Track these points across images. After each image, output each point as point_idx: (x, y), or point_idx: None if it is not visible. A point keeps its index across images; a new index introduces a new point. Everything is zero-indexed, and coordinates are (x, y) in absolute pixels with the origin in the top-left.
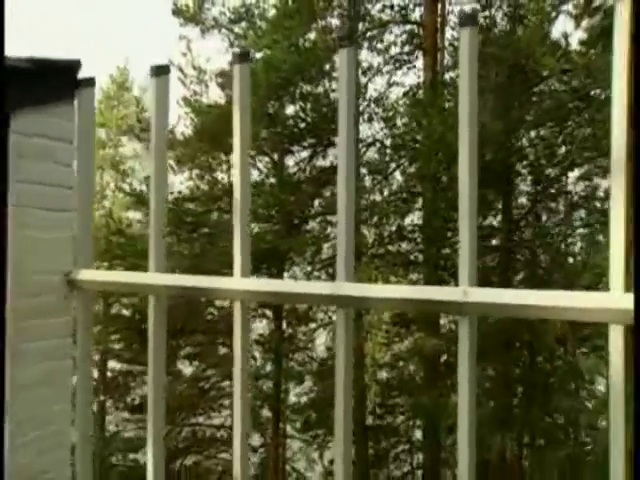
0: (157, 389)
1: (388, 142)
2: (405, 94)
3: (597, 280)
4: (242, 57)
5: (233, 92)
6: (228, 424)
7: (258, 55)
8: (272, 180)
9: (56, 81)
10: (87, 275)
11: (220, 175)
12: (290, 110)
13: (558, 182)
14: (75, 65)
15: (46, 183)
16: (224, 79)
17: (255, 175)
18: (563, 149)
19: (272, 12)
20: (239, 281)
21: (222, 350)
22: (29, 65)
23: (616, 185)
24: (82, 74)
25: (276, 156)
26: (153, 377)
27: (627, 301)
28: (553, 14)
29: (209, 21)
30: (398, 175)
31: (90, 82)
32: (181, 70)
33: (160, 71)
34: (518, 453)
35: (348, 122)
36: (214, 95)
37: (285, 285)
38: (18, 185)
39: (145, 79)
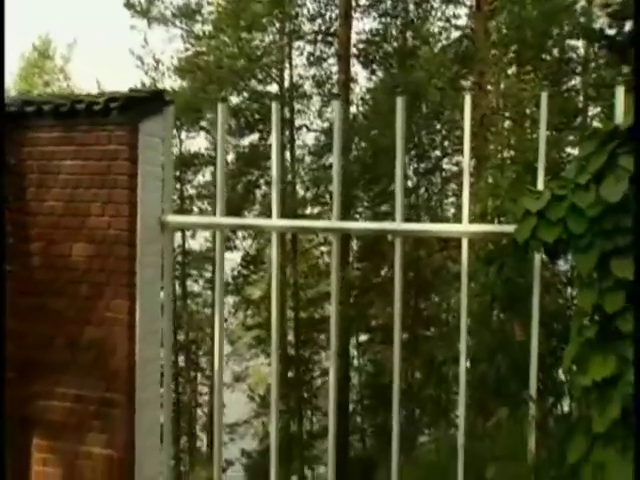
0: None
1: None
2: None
3: None
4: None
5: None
6: None
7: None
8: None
9: (158, 102)
10: (171, 218)
11: None
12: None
13: (438, 161)
14: (163, 92)
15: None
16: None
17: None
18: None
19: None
20: (275, 221)
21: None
22: (147, 94)
23: (465, 163)
24: None
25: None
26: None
27: (468, 227)
28: None
29: (156, 15)
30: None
31: (170, 102)
32: (140, 59)
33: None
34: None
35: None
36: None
37: (301, 223)
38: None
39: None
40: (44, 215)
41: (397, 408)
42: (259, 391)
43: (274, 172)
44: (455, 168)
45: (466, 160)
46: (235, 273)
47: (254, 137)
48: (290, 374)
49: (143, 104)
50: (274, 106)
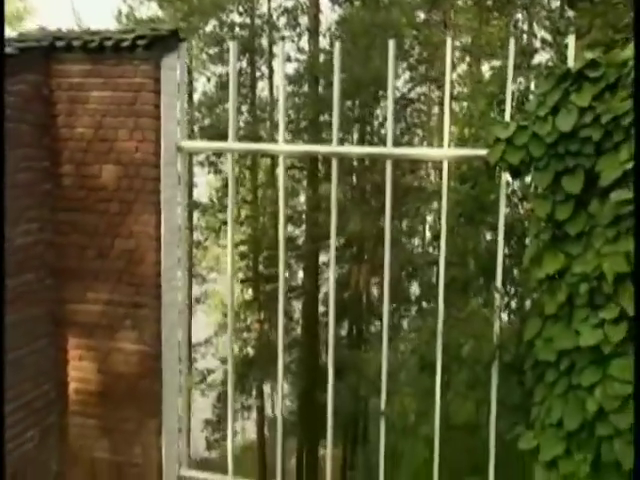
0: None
1: None
2: None
3: None
4: None
5: None
6: None
7: None
8: None
9: (175, 39)
10: (186, 143)
11: None
12: None
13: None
14: (178, 30)
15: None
16: None
17: None
18: None
19: None
20: (282, 146)
21: None
22: (167, 32)
23: (446, 97)
24: None
25: None
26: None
27: (448, 151)
28: None
29: None
30: None
31: (183, 39)
32: None
33: None
34: None
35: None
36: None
37: (305, 147)
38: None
39: None
40: (74, 140)
41: (387, 307)
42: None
43: (281, 103)
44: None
45: (447, 94)
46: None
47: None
48: (264, 289)
49: (164, 41)
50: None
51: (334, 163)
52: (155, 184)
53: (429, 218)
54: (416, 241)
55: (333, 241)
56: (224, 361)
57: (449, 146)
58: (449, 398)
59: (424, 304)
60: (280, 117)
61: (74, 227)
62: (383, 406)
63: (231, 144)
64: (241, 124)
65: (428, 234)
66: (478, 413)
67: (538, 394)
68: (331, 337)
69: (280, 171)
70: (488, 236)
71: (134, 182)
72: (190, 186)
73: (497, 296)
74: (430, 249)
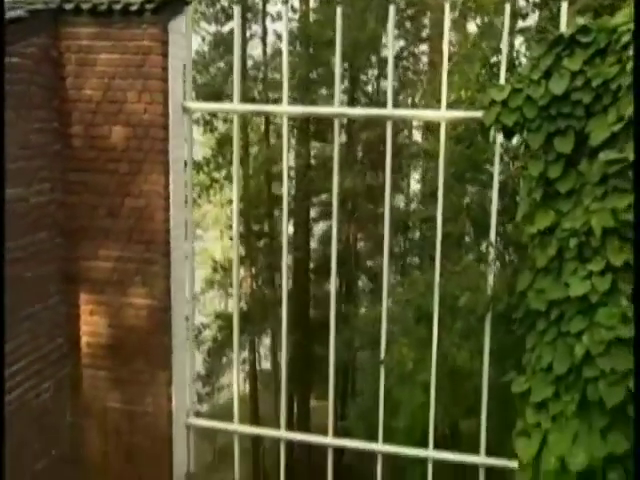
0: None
1: None
2: None
3: None
4: None
5: None
6: None
7: None
8: None
9: (181, 3)
10: (191, 105)
11: None
12: None
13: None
14: None
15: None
16: None
17: None
18: None
19: None
20: (286, 107)
21: None
22: None
23: (445, 59)
24: None
25: None
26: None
27: (446, 112)
28: None
29: None
30: None
31: (189, 3)
32: None
33: None
34: None
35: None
36: None
37: (308, 109)
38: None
39: None
40: (83, 102)
41: (387, 260)
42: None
43: (284, 64)
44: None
45: (445, 56)
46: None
47: (232, 25)
48: (256, 245)
49: (172, 5)
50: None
51: (336, 124)
52: (164, 144)
53: (417, 177)
54: (402, 198)
55: (335, 210)
56: (217, 316)
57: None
58: (445, 347)
59: (415, 259)
60: (284, 79)
61: (85, 187)
62: (383, 354)
63: (236, 105)
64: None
65: (416, 191)
66: (472, 361)
67: (529, 342)
68: (332, 297)
69: (284, 132)
70: (480, 194)
71: (143, 143)
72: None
73: (491, 250)
74: (421, 206)
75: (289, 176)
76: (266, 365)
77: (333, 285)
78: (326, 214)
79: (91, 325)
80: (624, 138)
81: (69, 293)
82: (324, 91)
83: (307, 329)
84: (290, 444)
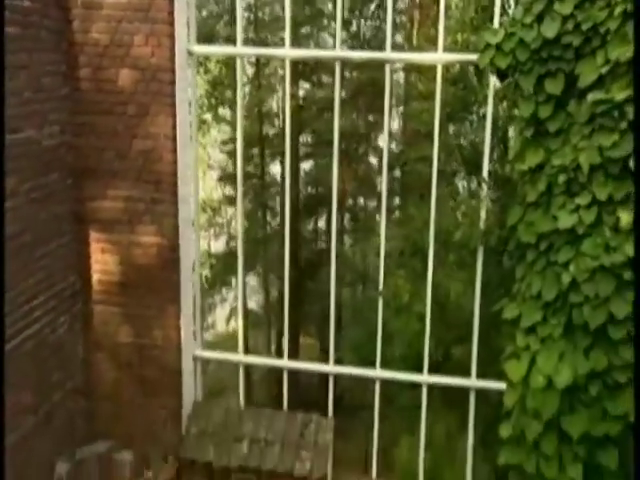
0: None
1: None
2: None
3: None
4: None
5: None
6: None
7: None
8: None
9: None
10: (197, 48)
11: None
12: None
13: None
14: None
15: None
16: None
17: None
18: None
19: None
20: (288, 50)
21: None
22: None
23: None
24: None
25: None
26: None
27: (443, 55)
28: None
29: None
30: None
31: None
32: None
33: None
34: None
35: None
36: None
37: (310, 52)
38: None
39: None
40: (90, 45)
41: (385, 195)
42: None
43: (287, 6)
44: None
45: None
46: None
47: None
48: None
49: None
50: None
51: (337, 67)
52: (170, 87)
53: (406, 117)
54: (391, 139)
55: (336, 151)
56: (208, 255)
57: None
58: (438, 279)
59: (398, 199)
60: (286, 22)
61: (93, 129)
62: (381, 286)
63: (239, 49)
64: (222, 25)
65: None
66: (464, 292)
67: (519, 272)
68: (333, 235)
69: (286, 75)
70: (472, 133)
71: (150, 86)
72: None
73: (483, 187)
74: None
75: (277, 116)
76: (251, 304)
77: (334, 225)
78: (313, 154)
79: (102, 263)
80: (611, 80)
81: (80, 232)
82: (313, 31)
83: (297, 267)
84: (279, 377)
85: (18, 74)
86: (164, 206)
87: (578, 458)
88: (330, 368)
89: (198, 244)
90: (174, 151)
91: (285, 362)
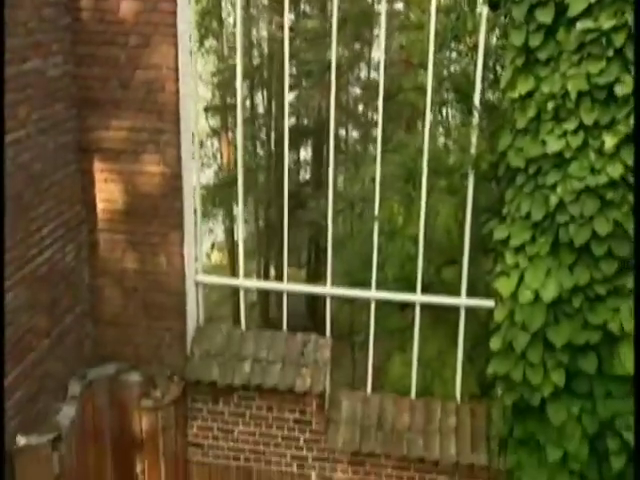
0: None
1: None
2: None
3: None
4: None
5: None
6: None
7: None
8: None
9: None
10: None
11: None
12: None
13: None
14: None
15: None
16: None
17: None
18: None
19: None
20: None
21: None
22: None
23: None
24: None
25: None
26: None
27: None
28: None
29: None
30: None
31: None
32: None
33: None
34: None
35: None
36: None
37: None
38: None
39: None
40: None
41: (381, 121)
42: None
43: None
44: None
45: None
46: None
47: None
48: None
49: None
50: None
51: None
52: (172, 18)
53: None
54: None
55: (333, 79)
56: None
57: None
58: (431, 204)
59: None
60: None
61: (95, 60)
62: (377, 211)
63: None
64: None
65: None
66: (455, 216)
67: (509, 195)
68: (331, 162)
69: (285, 5)
70: (462, 63)
71: (152, 16)
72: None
73: (475, 114)
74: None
75: (261, 47)
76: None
77: (332, 155)
78: (297, 85)
79: (106, 192)
80: (599, 9)
81: (84, 162)
82: None
83: (283, 196)
84: (265, 302)
85: (22, 3)
86: (167, 136)
87: (561, 365)
88: (328, 290)
89: (199, 173)
90: (176, 81)
91: (285, 285)
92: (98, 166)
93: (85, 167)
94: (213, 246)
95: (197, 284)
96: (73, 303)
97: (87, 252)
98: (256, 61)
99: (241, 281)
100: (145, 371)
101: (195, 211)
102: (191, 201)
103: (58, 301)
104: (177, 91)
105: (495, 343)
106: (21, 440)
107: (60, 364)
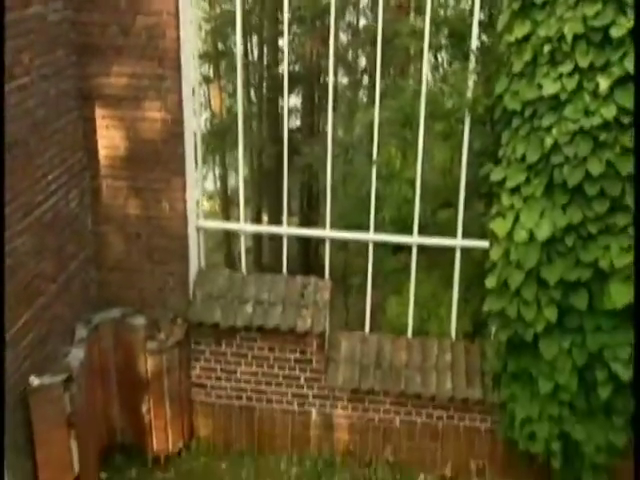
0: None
1: None
2: None
3: None
4: None
5: None
6: None
7: None
8: None
9: None
10: None
11: None
12: None
13: None
14: None
15: None
16: None
17: None
18: None
19: None
20: None
21: None
22: None
23: None
24: None
25: None
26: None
27: None
28: None
29: None
30: None
31: None
32: None
33: None
34: None
35: None
36: None
37: None
38: None
39: None
40: None
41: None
42: None
43: None
44: None
45: None
46: None
47: None
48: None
49: None
50: None
51: None
52: None
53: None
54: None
55: (332, 23)
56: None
57: None
58: (427, 148)
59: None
60: None
61: (95, 5)
62: (375, 156)
63: None
64: None
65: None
66: (452, 159)
67: (505, 138)
68: (330, 109)
69: None
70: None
71: None
72: None
73: (472, 58)
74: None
75: None
76: (231, 181)
77: (330, 101)
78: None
79: (108, 139)
80: None
81: (86, 109)
82: None
83: (277, 142)
84: (258, 249)
85: None
86: (168, 82)
87: (554, 301)
88: (327, 233)
89: (199, 119)
90: (177, 27)
91: (285, 229)
92: (100, 113)
93: (87, 114)
94: (203, 194)
95: (198, 229)
96: (77, 249)
97: (90, 199)
98: (247, 6)
99: (242, 225)
100: (149, 314)
101: (196, 157)
102: (192, 147)
103: (63, 247)
104: (178, 37)
105: (490, 281)
106: (35, 380)
107: (67, 308)
